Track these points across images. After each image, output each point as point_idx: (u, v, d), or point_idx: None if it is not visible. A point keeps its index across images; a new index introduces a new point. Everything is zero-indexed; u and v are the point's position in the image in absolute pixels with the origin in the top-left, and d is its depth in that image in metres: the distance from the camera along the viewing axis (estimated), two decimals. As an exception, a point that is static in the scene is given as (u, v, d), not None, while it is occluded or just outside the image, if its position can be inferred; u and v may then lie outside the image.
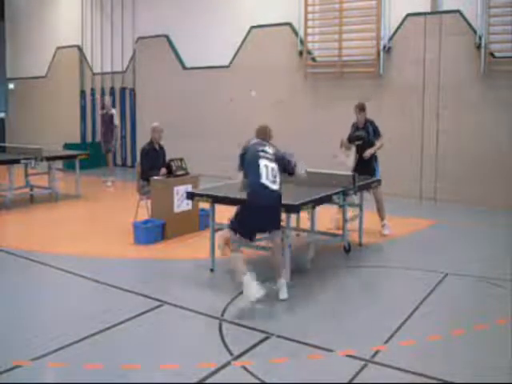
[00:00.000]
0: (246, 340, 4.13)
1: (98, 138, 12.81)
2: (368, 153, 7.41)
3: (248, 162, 5.11)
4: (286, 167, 5.21)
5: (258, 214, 4.93)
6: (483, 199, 9.48)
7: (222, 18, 12.75)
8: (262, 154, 5.07)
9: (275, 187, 4.94)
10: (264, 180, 4.92)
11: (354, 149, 7.64)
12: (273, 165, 5.02)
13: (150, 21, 14.16)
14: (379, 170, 7.67)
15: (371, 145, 7.50)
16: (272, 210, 4.98)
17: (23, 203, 9.70)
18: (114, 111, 12.24)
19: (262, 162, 4.99)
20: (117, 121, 12.17)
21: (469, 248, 6.91)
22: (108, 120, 12.07)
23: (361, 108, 7.66)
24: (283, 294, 5.00)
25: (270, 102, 11.96)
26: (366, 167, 7.44)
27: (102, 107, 12.49)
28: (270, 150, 5.17)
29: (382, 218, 7.61)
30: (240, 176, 5.31)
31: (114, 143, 12.13)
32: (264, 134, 5.42)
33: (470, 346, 4.14)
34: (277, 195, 4.97)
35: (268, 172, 4.95)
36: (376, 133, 7.57)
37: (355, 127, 7.74)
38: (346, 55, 11.13)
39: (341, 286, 5.54)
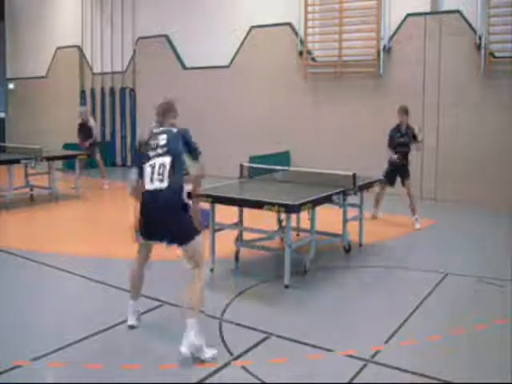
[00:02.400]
0: (246, 340, 4.13)
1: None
2: (419, 150, 8.47)
3: (138, 162, 4.23)
4: (190, 151, 4.15)
5: (150, 223, 3.98)
6: (483, 199, 9.48)
7: (222, 18, 12.75)
8: (150, 149, 4.03)
9: (164, 185, 3.87)
10: (148, 185, 3.93)
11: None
12: (163, 159, 3.93)
13: (150, 21, 14.16)
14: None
15: (410, 150, 8.15)
16: (166, 217, 3.87)
17: (23, 203, 9.70)
18: (92, 123, 11.78)
19: (148, 162, 3.98)
20: (94, 131, 11.72)
21: (469, 248, 6.91)
22: (87, 131, 11.53)
23: (406, 110, 8.02)
24: (185, 346, 3.69)
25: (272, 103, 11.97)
26: (402, 170, 8.10)
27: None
28: (163, 136, 4.05)
29: (413, 213, 8.02)
30: (133, 177, 4.36)
31: (95, 149, 11.57)
32: (162, 115, 4.29)
33: (470, 346, 4.14)
34: (168, 195, 3.86)
35: (154, 172, 3.92)
36: (415, 137, 8.04)
37: (398, 131, 8.05)
38: (346, 55, 11.13)
39: (341, 286, 5.53)
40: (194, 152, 4.15)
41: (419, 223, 7.94)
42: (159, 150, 4.00)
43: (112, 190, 11.57)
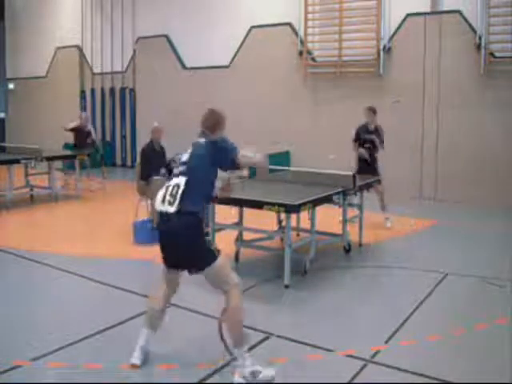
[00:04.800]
0: (246, 340, 4.13)
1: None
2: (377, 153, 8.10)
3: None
4: (222, 164, 3.67)
5: (164, 249, 3.67)
6: (483, 199, 9.47)
7: (222, 18, 12.75)
8: (175, 166, 3.71)
9: (173, 209, 3.47)
10: (159, 206, 3.57)
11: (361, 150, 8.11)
12: (179, 180, 3.54)
13: (150, 21, 14.16)
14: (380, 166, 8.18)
15: (377, 148, 8.09)
16: (175, 244, 3.56)
17: (23, 203, 9.70)
18: (91, 128, 11.72)
19: (168, 183, 3.63)
20: (94, 135, 11.75)
21: (469, 248, 6.91)
22: (85, 135, 11.42)
23: (374, 111, 8.13)
24: (237, 376, 3.48)
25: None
26: (370, 167, 7.94)
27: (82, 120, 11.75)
28: (188, 151, 3.69)
29: (383, 211, 8.04)
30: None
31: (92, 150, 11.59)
32: (210, 128, 3.80)
33: (470, 345, 4.14)
34: (178, 221, 3.48)
35: (167, 193, 3.55)
36: (381, 140, 8.07)
37: (365, 130, 8.12)
38: (346, 55, 11.13)
39: (341, 285, 5.53)
40: (229, 164, 3.63)
41: (390, 222, 7.94)
42: (180, 168, 3.61)
43: (112, 189, 11.56)
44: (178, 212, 3.47)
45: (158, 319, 3.83)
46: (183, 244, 3.52)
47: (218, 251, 3.60)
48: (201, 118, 3.85)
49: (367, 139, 8.06)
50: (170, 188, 3.55)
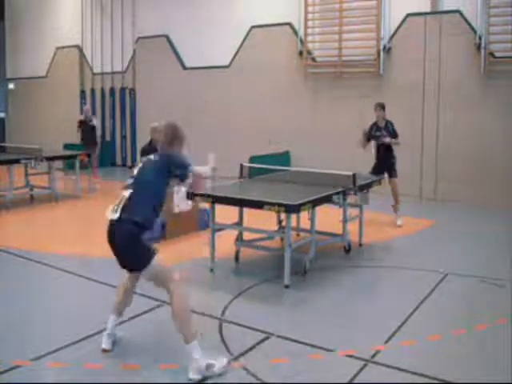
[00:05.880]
0: (246, 340, 4.13)
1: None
2: (388, 140, 8.04)
3: None
4: (172, 176, 3.88)
5: (112, 251, 3.87)
6: (483, 199, 9.47)
7: (222, 17, 12.75)
8: (128, 179, 3.95)
9: (115, 216, 3.74)
10: (109, 215, 3.83)
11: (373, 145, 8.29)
12: (126, 192, 3.81)
13: (150, 21, 14.16)
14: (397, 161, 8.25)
15: (392, 148, 8.16)
16: (116, 248, 3.79)
17: (23, 203, 9.70)
18: (95, 122, 12.35)
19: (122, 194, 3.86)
20: (98, 131, 12.42)
21: (469, 248, 6.91)
22: (90, 129, 12.13)
23: (382, 106, 8.18)
24: (192, 373, 3.57)
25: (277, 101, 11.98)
26: (386, 163, 8.10)
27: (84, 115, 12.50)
28: (139, 166, 3.96)
29: (398, 208, 8.16)
30: None
31: (96, 149, 12.27)
32: (167, 143, 4.00)
33: (470, 345, 4.14)
34: (118, 226, 3.73)
35: (116, 202, 3.83)
36: (394, 133, 8.12)
37: (376, 126, 8.18)
38: (346, 55, 11.13)
39: (341, 285, 5.53)
40: (180, 176, 3.88)
41: (401, 220, 8.03)
42: (129, 180, 3.87)
43: (113, 189, 11.56)
44: (118, 219, 3.73)
45: (126, 304, 4.11)
46: (121, 248, 3.76)
47: (154, 251, 3.75)
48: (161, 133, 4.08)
49: (378, 136, 8.12)
50: (119, 199, 3.81)
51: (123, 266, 3.86)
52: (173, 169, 3.84)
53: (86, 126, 12.16)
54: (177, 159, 3.91)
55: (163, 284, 3.75)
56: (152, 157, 3.96)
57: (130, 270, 3.91)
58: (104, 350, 3.92)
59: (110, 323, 4.02)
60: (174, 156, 3.93)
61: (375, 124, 8.20)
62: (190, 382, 3.55)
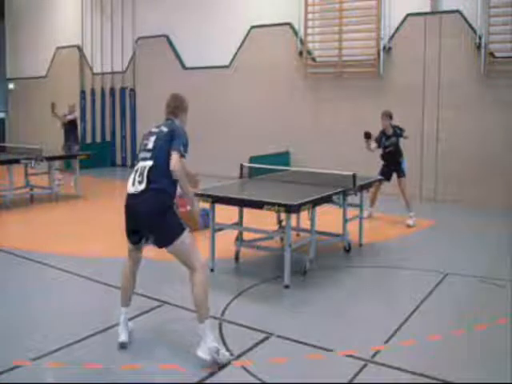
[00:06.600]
0: (246, 340, 4.13)
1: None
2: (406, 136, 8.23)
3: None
4: (173, 147, 3.83)
5: (131, 222, 3.91)
6: (483, 199, 9.48)
7: (222, 17, 12.76)
8: (141, 149, 3.98)
9: (142, 187, 3.75)
10: (129, 188, 3.84)
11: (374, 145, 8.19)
12: (145, 164, 3.83)
13: (150, 21, 14.17)
14: (405, 161, 8.32)
15: (400, 150, 8.23)
16: (143, 218, 3.79)
17: (23, 203, 9.70)
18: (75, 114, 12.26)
19: (137, 166, 3.91)
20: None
21: (469, 248, 6.91)
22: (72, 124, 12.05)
23: (389, 115, 8.16)
24: (201, 351, 3.70)
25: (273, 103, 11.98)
26: (394, 165, 8.19)
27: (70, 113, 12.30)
28: (152, 138, 3.93)
29: (410, 207, 8.14)
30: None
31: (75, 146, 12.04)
32: (171, 111, 4.13)
33: (470, 346, 4.14)
34: (146, 197, 3.74)
35: (136, 175, 3.83)
36: (402, 133, 8.20)
37: (384, 136, 8.18)
38: (346, 55, 11.13)
39: (341, 286, 5.53)
40: (174, 150, 3.79)
41: (412, 221, 7.99)
42: (145, 154, 3.88)
43: (113, 189, 11.57)
44: (146, 189, 3.74)
45: (131, 291, 4.13)
46: (151, 219, 3.75)
47: (185, 225, 3.82)
48: (165, 104, 4.16)
49: (389, 145, 8.15)
50: (138, 171, 3.82)
51: (146, 238, 3.91)
52: (174, 140, 3.83)
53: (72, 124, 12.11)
54: (177, 132, 3.91)
55: (189, 261, 3.80)
56: (162, 128, 3.96)
57: (158, 245, 3.84)
58: (122, 344, 3.93)
59: (122, 316, 4.03)
60: (176, 129, 3.94)
61: (383, 133, 8.17)
62: (199, 359, 3.66)
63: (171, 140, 3.84)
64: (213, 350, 3.66)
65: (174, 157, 3.75)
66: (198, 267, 3.79)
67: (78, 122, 12.44)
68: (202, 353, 3.68)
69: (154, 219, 3.74)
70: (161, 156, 3.81)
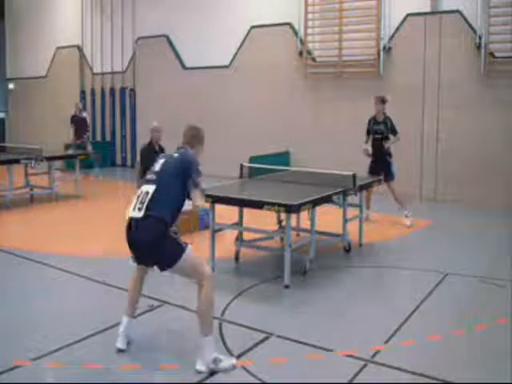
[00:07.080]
0: (246, 340, 4.13)
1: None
2: (388, 144, 8.03)
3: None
4: (186, 178, 3.80)
5: (132, 250, 3.85)
6: (483, 199, 9.47)
7: (222, 17, 12.76)
8: (150, 170, 3.95)
9: (140, 215, 3.67)
10: (131, 213, 3.77)
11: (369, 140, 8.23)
12: (149, 187, 3.78)
13: (150, 21, 14.17)
14: (395, 165, 8.17)
15: (387, 139, 8.09)
16: (142, 247, 3.74)
17: (23, 203, 9.70)
18: (85, 114, 13.07)
19: (140, 189, 3.87)
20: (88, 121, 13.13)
21: (469, 248, 6.91)
22: (80, 122, 12.72)
23: (382, 100, 8.09)
24: (199, 364, 3.65)
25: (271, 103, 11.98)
26: (381, 162, 8.03)
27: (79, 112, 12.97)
28: (161, 161, 3.92)
29: (403, 208, 8.08)
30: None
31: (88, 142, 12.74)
32: (186, 141, 4.07)
33: (470, 346, 4.14)
34: (144, 225, 3.67)
35: (138, 200, 3.77)
36: (393, 129, 8.07)
37: (374, 120, 8.16)
38: (346, 55, 11.13)
39: (341, 286, 5.53)
40: (194, 186, 3.78)
41: (409, 221, 7.93)
42: (151, 176, 3.85)
43: (112, 189, 11.57)
44: (144, 217, 3.68)
45: (137, 302, 4.11)
46: (149, 247, 3.69)
47: (186, 244, 3.76)
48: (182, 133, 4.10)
49: (376, 130, 8.11)
50: (141, 196, 3.77)
51: (148, 264, 3.90)
52: (190, 171, 3.80)
53: (77, 121, 12.76)
54: (194, 165, 3.85)
55: (194, 277, 3.80)
56: (174, 154, 3.95)
57: (160, 268, 3.76)
58: (119, 350, 3.92)
59: (122, 326, 3.99)
60: (193, 161, 3.87)
61: (374, 118, 8.18)
62: (197, 371, 3.61)
63: (182, 168, 3.80)
64: (210, 362, 3.61)
65: (197, 194, 3.80)
66: (203, 280, 3.74)
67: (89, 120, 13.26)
68: (200, 366, 3.64)
69: (152, 249, 3.69)
70: (164, 181, 3.78)
